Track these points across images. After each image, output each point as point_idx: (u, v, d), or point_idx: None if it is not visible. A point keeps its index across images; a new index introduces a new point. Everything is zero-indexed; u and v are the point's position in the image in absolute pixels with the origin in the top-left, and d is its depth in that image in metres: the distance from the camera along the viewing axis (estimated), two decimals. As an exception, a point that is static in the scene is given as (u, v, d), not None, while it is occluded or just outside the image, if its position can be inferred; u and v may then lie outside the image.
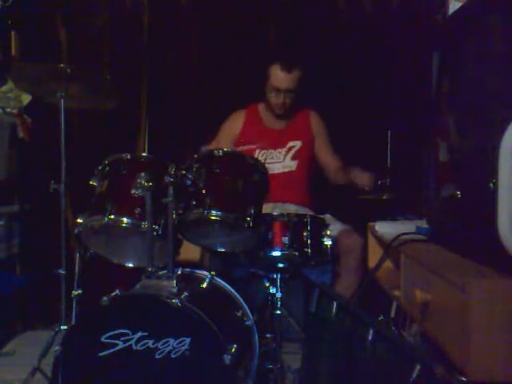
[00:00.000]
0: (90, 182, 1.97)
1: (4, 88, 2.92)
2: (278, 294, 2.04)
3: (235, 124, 2.78)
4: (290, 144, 2.72)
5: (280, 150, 2.71)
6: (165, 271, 1.83)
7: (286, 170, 2.70)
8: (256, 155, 2.65)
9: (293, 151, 2.72)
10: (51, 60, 3.00)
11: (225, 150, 1.97)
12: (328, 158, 2.77)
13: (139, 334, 1.64)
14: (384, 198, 2.40)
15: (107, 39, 3.15)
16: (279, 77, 2.60)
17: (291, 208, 2.58)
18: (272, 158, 2.68)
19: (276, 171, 2.63)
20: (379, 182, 2.47)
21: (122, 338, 1.65)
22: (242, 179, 1.90)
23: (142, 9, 3.14)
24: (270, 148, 2.70)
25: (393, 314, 2.24)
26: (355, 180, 2.48)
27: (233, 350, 1.64)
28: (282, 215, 2.04)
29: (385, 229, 2.16)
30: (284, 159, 2.71)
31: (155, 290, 1.77)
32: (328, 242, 2.05)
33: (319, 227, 2.06)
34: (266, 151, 2.70)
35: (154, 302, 1.72)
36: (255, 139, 2.71)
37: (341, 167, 2.71)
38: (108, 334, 1.65)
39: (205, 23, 3.16)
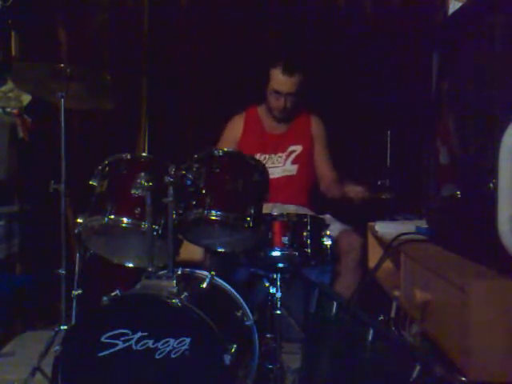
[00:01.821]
0: (90, 182, 1.97)
1: (4, 88, 2.93)
2: (278, 294, 2.04)
3: (235, 130, 2.77)
4: (291, 148, 2.71)
5: (280, 155, 2.70)
6: (165, 271, 1.83)
7: (286, 174, 2.69)
8: None
9: (293, 155, 2.71)
10: (51, 60, 3.01)
11: (225, 150, 1.97)
12: (322, 168, 2.75)
13: (139, 334, 1.64)
14: (384, 197, 2.40)
15: (107, 39, 3.16)
16: (280, 80, 2.57)
17: (291, 208, 2.57)
18: (273, 163, 2.67)
19: (276, 175, 2.62)
20: (379, 182, 2.47)
21: (122, 338, 1.65)
22: (242, 179, 1.90)
23: (141, 9, 3.15)
24: (270, 153, 2.69)
25: (393, 314, 2.24)
26: (349, 193, 2.47)
27: (233, 350, 1.64)
28: (281, 215, 2.03)
29: (385, 229, 2.16)
30: (284, 164, 2.70)
31: (155, 289, 1.77)
32: (328, 242, 2.05)
33: (319, 227, 2.06)
34: (267, 156, 2.69)
35: (153, 302, 1.72)
36: (255, 144, 2.70)
37: (335, 181, 2.68)
38: (108, 334, 1.65)
39: (205, 24, 3.16)
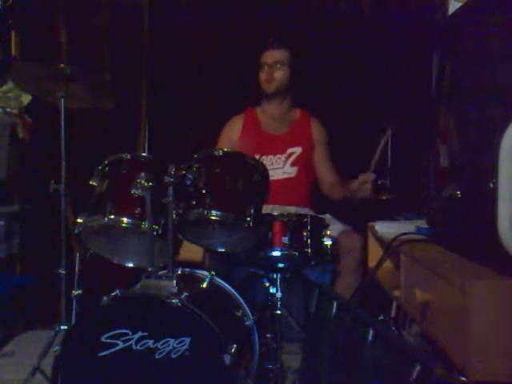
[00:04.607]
0: (90, 182, 1.97)
1: (4, 88, 2.92)
2: (278, 294, 2.04)
3: (233, 130, 2.77)
4: (290, 150, 2.71)
5: (280, 156, 2.70)
6: (165, 271, 1.83)
7: (286, 176, 2.68)
8: None
9: (293, 157, 2.70)
10: (51, 60, 3.01)
11: (225, 150, 1.97)
12: (324, 172, 2.75)
13: (139, 334, 1.64)
14: (384, 197, 2.40)
15: (107, 39, 3.16)
16: (266, 53, 2.70)
17: (291, 209, 2.57)
18: (272, 165, 2.66)
19: (276, 177, 2.60)
20: (379, 182, 2.47)
21: (122, 338, 1.65)
22: (242, 179, 1.90)
23: (142, 9, 3.15)
24: (269, 154, 2.69)
25: (393, 314, 2.24)
26: (355, 187, 2.45)
27: (233, 350, 1.64)
28: (282, 215, 2.03)
29: (385, 229, 2.16)
30: (284, 166, 2.69)
31: (155, 290, 1.77)
32: (328, 242, 2.05)
33: (319, 227, 2.06)
34: (266, 157, 2.69)
35: (154, 302, 1.71)
36: (254, 145, 2.70)
37: (337, 183, 2.69)
38: (108, 334, 1.65)
39: (205, 24, 3.17)
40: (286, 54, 2.69)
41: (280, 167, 2.69)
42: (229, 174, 1.90)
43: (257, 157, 2.64)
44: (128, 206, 1.87)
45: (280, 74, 2.67)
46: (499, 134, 1.23)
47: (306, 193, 2.73)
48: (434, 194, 1.82)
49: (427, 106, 1.94)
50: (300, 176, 2.70)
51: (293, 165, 2.70)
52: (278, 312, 2.03)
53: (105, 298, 1.72)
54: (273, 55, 2.69)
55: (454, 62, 1.71)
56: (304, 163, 2.71)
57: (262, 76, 2.70)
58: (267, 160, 2.67)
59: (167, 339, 1.63)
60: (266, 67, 2.68)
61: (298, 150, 2.71)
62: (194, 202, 1.83)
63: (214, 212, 1.81)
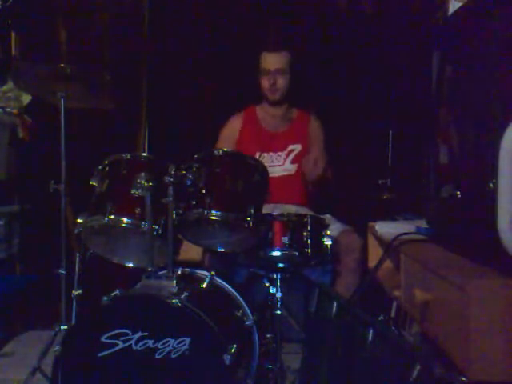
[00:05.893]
0: (90, 182, 1.97)
1: (4, 88, 2.93)
2: (278, 294, 2.04)
3: (233, 129, 2.78)
4: (291, 147, 2.71)
5: (280, 154, 2.71)
6: (165, 271, 1.83)
7: (286, 173, 2.69)
8: None
9: (293, 154, 2.71)
10: (51, 60, 3.01)
11: (225, 149, 1.97)
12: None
13: (139, 334, 1.64)
14: (384, 197, 2.40)
15: (107, 39, 3.16)
16: (267, 58, 2.66)
17: (291, 209, 2.57)
18: (272, 162, 2.67)
19: (276, 174, 2.61)
20: (380, 182, 2.47)
21: (122, 338, 1.65)
22: (242, 179, 1.90)
23: (142, 9, 3.15)
24: (269, 151, 2.70)
25: (393, 314, 2.24)
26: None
27: (233, 350, 1.64)
28: (281, 215, 2.03)
29: (385, 229, 2.16)
30: (284, 163, 2.70)
31: (155, 289, 1.77)
32: (328, 242, 2.05)
33: (319, 227, 2.06)
34: (266, 154, 2.69)
35: (154, 302, 1.71)
36: (254, 142, 2.71)
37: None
38: (108, 334, 1.65)
39: (205, 23, 3.17)
40: (286, 58, 2.66)
41: (280, 164, 2.70)
42: (229, 173, 1.90)
43: (257, 154, 2.66)
44: (128, 206, 1.87)
45: (283, 82, 2.66)
46: (499, 133, 1.23)
47: (306, 191, 2.73)
48: (434, 194, 1.82)
49: (427, 106, 1.94)
50: (299, 173, 2.70)
51: (293, 162, 2.70)
52: (278, 312, 2.03)
53: (105, 298, 1.71)
54: (274, 61, 2.65)
55: (453, 62, 1.71)
56: None
57: (265, 83, 2.67)
58: (267, 157, 2.68)
59: (167, 339, 1.63)
60: (268, 74, 2.65)
61: (297, 147, 2.72)
62: (194, 202, 1.83)
63: (214, 212, 1.81)
